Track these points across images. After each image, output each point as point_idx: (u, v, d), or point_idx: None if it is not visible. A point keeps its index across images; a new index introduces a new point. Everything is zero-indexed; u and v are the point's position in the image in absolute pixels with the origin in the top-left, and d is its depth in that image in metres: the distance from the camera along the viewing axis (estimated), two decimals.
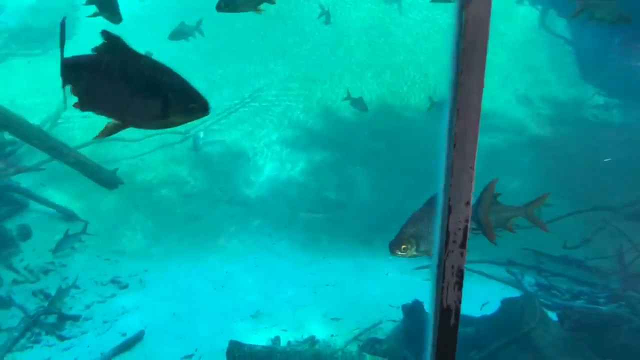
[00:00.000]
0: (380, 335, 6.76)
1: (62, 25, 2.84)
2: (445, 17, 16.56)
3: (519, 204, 4.64)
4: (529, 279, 9.29)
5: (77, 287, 7.64)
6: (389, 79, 14.53)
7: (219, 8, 4.72)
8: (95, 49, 2.60)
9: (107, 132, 2.68)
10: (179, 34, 10.51)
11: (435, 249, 1.36)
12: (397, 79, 14.61)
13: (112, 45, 2.56)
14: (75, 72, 2.66)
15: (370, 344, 6.45)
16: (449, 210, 1.32)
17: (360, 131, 12.51)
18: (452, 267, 1.34)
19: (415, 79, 14.60)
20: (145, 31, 15.19)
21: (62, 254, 8.33)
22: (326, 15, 13.01)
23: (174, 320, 7.15)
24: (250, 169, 11.59)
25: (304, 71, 14.25)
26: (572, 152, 11.99)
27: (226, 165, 11.55)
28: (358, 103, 11.08)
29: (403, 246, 4.07)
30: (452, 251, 1.34)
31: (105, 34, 2.58)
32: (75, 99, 2.71)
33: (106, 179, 7.44)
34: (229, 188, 11.00)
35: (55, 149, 7.25)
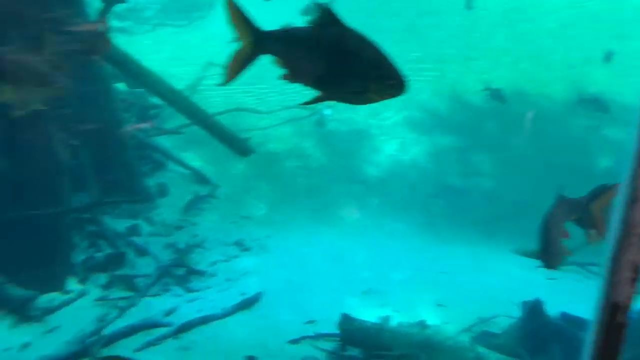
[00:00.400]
0: (494, 329, 6.55)
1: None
2: (594, 3, 15.34)
3: None
4: None
5: (202, 247, 8.16)
6: (527, 66, 13.79)
7: None
8: (310, 22, 2.70)
9: (312, 102, 2.79)
10: (310, 11, 10.71)
11: (610, 240, 1.28)
12: (536, 66, 13.82)
13: (325, 18, 2.64)
14: (285, 44, 2.75)
15: (484, 337, 6.28)
16: (633, 200, 1.23)
17: (490, 118, 12.04)
18: (629, 261, 1.25)
19: (556, 68, 13.72)
20: (279, 6, 15.67)
21: (192, 213, 8.94)
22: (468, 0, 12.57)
23: (289, 287, 7.42)
24: (373, 148, 11.62)
25: (437, 53, 13.92)
26: None
27: (349, 143, 11.66)
28: (497, 95, 10.61)
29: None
30: (632, 245, 1.25)
31: (319, 7, 2.67)
32: (280, 71, 2.81)
33: (239, 147, 7.83)
34: (350, 165, 11.12)
35: (196, 115, 7.73)
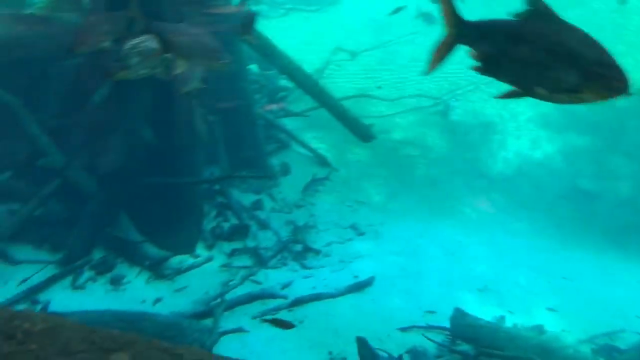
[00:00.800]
0: (620, 344, 6.13)
1: None
2: None
3: None
4: None
5: (318, 227, 8.35)
6: None
7: None
8: (518, 15, 2.59)
9: (508, 95, 2.73)
10: None
11: None
12: None
13: (537, 11, 2.53)
14: (490, 36, 2.68)
15: (607, 350, 5.90)
16: None
17: (632, 119, 11.13)
18: None
19: None
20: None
21: (309, 193, 9.16)
22: None
23: (402, 274, 7.42)
24: (499, 143, 11.19)
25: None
26: None
27: (474, 136, 11.32)
28: None
29: None
30: None
31: (532, 1, 2.55)
32: (472, 62, 2.76)
33: (362, 132, 7.90)
34: (473, 159, 10.81)
35: (323, 99, 7.90)
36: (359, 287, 6.94)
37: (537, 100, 9.85)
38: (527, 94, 2.63)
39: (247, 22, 5.83)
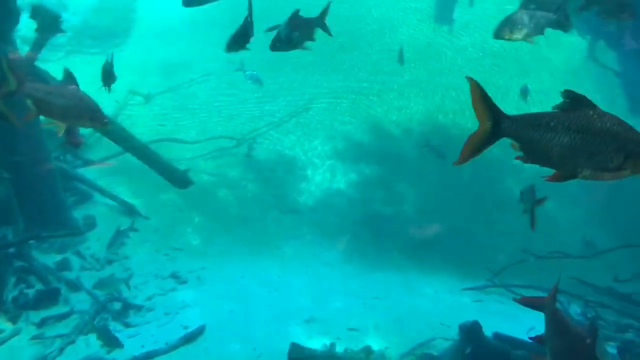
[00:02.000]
0: (434, 351, 6.86)
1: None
2: (494, 42, 16.67)
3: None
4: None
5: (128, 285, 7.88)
6: (438, 98, 14.67)
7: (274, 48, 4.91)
8: (557, 107, 2.81)
9: (555, 179, 2.88)
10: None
11: None
12: (446, 99, 14.74)
13: (572, 102, 2.77)
14: (527, 129, 2.83)
15: (426, 359, 6.56)
16: None
17: (408, 148, 12.67)
18: None
19: (462, 100, 14.73)
20: (197, 36, 15.67)
21: (116, 246, 8.61)
22: (400, 55, 12.96)
23: (231, 318, 7.37)
24: (301, 177, 11.83)
25: (354, 85, 14.49)
26: (623, 185, 11.94)
27: (279, 173, 11.80)
28: (436, 150, 11.00)
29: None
30: None
31: (568, 94, 2.77)
32: None
33: (178, 178, 7.73)
34: (281, 195, 11.25)
35: (130, 144, 7.56)
36: (190, 338, 6.73)
37: (329, 135, 10.68)
38: (571, 177, 2.86)
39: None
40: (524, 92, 11.63)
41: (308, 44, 5.07)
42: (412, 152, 12.67)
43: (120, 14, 17.96)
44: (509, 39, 5.60)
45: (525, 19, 5.50)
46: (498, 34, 5.58)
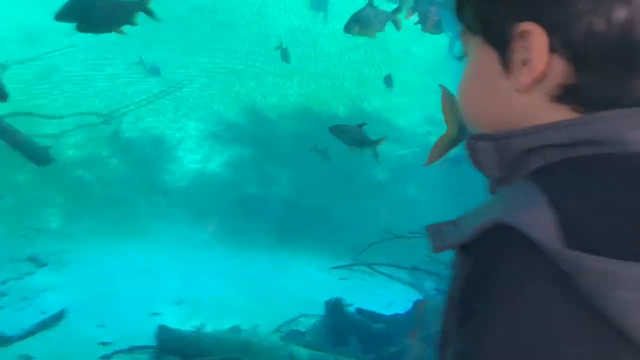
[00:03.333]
0: (301, 327, 7.17)
1: None
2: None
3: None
4: (429, 284, 10.14)
5: None
6: (312, 84, 15.05)
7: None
8: None
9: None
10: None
11: None
12: (319, 86, 15.16)
13: None
14: None
15: (293, 335, 6.85)
16: None
17: (282, 131, 12.91)
18: None
19: (336, 88, 15.25)
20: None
21: None
22: (282, 52, 11.76)
23: (95, 302, 7.14)
24: (171, 158, 11.61)
25: (230, 66, 14.41)
26: None
27: (148, 152, 11.48)
28: (322, 154, 10.18)
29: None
30: None
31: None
32: None
33: (37, 155, 7.27)
34: (149, 176, 10.97)
35: None
36: (49, 323, 6.44)
37: (201, 116, 10.71)
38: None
39: None
40: (388, 81, 12.25)
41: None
42: (286, 136, 12.93)
43: None
44: (356, 34, 6.18)
45: (372, 15, 5.99)
46: (348, 29, 6.04)
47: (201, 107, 12.88)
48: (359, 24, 5.95)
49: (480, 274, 0.80)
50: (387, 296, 8.75)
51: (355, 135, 6.14)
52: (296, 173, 12.10)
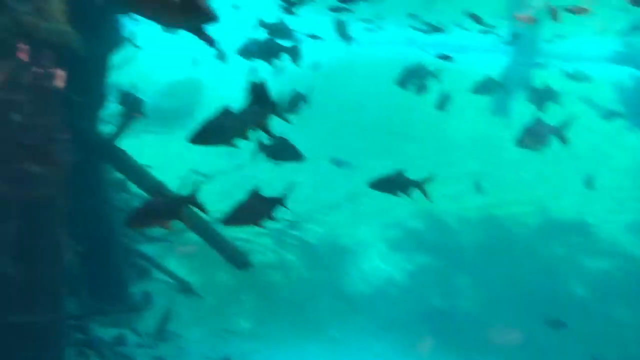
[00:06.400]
0: None
1: None
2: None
3: None
4: None
5: None
6: (493, 190, 14.55)
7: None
8: None
9: None
10: None
11: None
12: (501, 191, 14.60)
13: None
14: None
15: None
16: None
17: (467, 239, 12.47)
18: None
19: (521, 194, 14.55)
20: None
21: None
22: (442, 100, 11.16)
23: None
24: (356, 264, 11.73)
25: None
26: None
27: (331, 257, 11.76)
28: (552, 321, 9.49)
29: None
30: None
31: None
32: None
33: (237, 259, 7.82)
34: (334, 281, 11.15)
35: (192, 222, 7.74)
36: None
37: (388, 224, 10.58)
38: None
39: None
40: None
41: None
42: (470, 244, 12.46)
43: (186, 96, 18.99)
44: (527, 148, 6.95)
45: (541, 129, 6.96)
46: (521, 144, 6.95)
47: (383, 213, 13.00)
48: (532, 138, 6.91)
49: None
50: None
51: None
52: (485, 285, 11.44)
